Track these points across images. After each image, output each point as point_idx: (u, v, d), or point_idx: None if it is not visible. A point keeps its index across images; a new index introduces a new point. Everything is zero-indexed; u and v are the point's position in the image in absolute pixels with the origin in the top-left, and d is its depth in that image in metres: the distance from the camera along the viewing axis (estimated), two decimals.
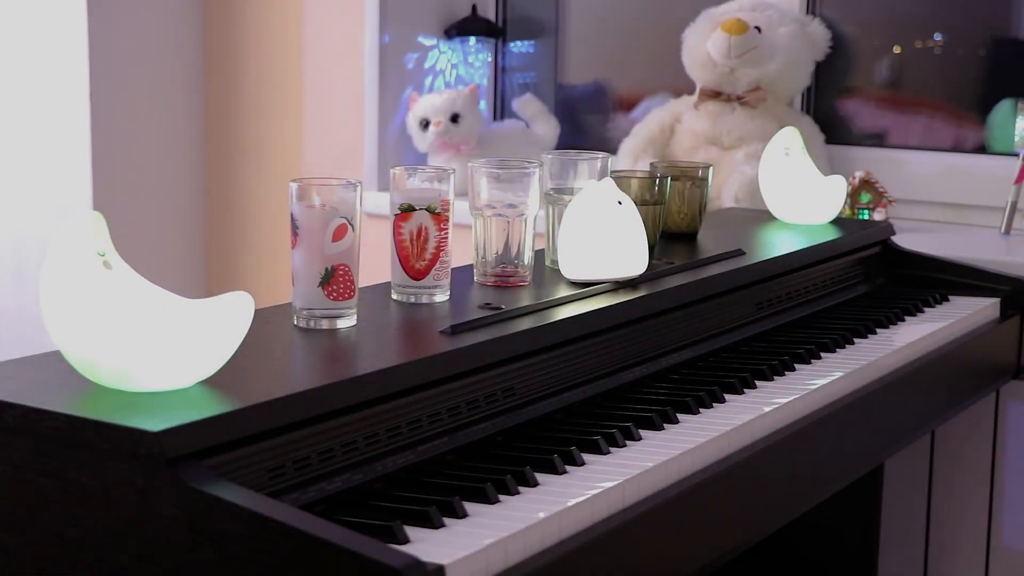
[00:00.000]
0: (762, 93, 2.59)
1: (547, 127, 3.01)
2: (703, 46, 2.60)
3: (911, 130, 2.75)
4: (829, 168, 2.54)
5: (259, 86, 3.22)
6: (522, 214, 1.55)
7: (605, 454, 1.29)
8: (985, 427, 2.19)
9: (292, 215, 1.35)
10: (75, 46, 3.05)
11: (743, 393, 1.53)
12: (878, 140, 2.75)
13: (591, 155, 1.68)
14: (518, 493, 1.17)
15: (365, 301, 1.44)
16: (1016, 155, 2.44)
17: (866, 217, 2.44)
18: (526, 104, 3.03)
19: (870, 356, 1.72)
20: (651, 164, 2.05)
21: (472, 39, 3.15)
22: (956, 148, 2.67)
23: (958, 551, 2.24)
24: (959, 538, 2.24)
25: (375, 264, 1.80)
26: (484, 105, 3.15)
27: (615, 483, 1.20)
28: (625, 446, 1.32)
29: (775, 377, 1.60)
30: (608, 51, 3.17)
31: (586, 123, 3.13)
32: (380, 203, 2.76)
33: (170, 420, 1.03)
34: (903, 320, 1.94)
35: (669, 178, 1.82)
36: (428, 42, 3.11)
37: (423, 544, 1.03)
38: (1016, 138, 2.48)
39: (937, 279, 2.13)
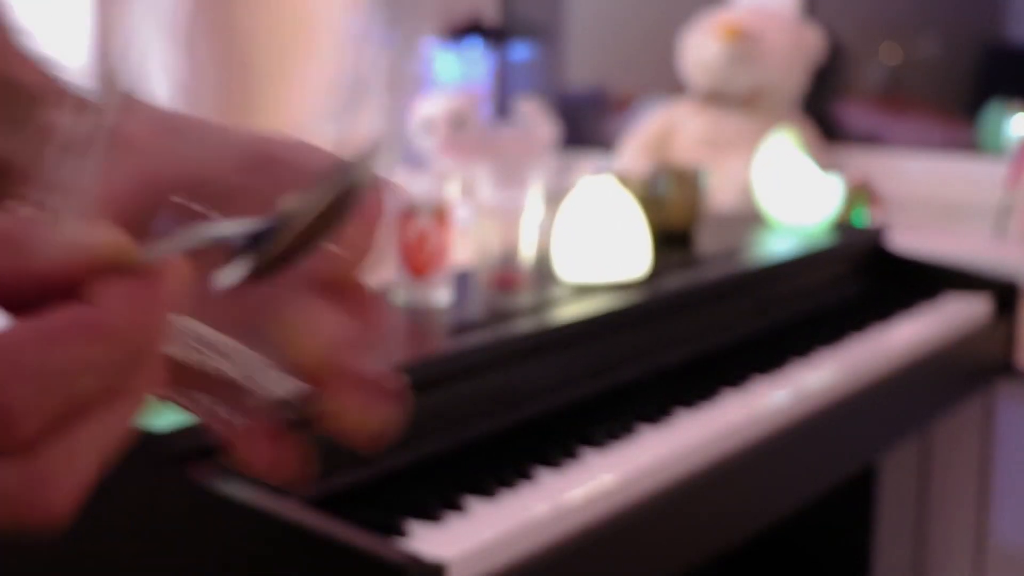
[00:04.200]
0: (759, 96, 2.61)
1: (547, 128, 3.03)
2: (701, 50, 2.62)
3: (905, 132, 2.77)
4: (824, 170, 2.55)
5: (261, 88, 3.23)
6: (522, 214, 1.57)
7: (604, 451, 1.31)
8: (977, 425, 2.21)
9: None
10: (76, 47, 3.07)
11: (739, 392, 1.54)
12: (873, 142, 2.77)
13: (591, 156, 1.70)
14: (518, 489, 1.18)
15: None
16: (1007, 157, 2.46)
17: (860, 218, 2.46)
18: (526, 106, 3.05)
19: (863, 355, 1.74)
20: (650, 166, 2.07)
21: (473, 41, 3.17)
22: (949, 150, 2.69)
23: (951, 548, 2.26)
24: (952, 535, 2.26)
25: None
26: (485, 107, 3.17)
27: (614, 479, 1.22)
28: (624, 443, 1.33)
29: (770, 376, 1.62)
30: (608, 53, 3.19)
31: (586, 125, 3.15)
32: None
33: (177, 419, 1.05)
34: (896, 320, 1.96)
35: (667, 180, 1.84)
36: (429, 45, 3.13)
37: (424, 540, 1.05)
38: (1007, 140, 2.50)
39: (929, 279, 2.14)
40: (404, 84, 3.11)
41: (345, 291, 0.43)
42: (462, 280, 1.60)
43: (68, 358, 0.33)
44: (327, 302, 0.42)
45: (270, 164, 0.44)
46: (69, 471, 0.34)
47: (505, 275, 1.59)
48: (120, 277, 0.35)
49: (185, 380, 0.42)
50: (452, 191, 1.49)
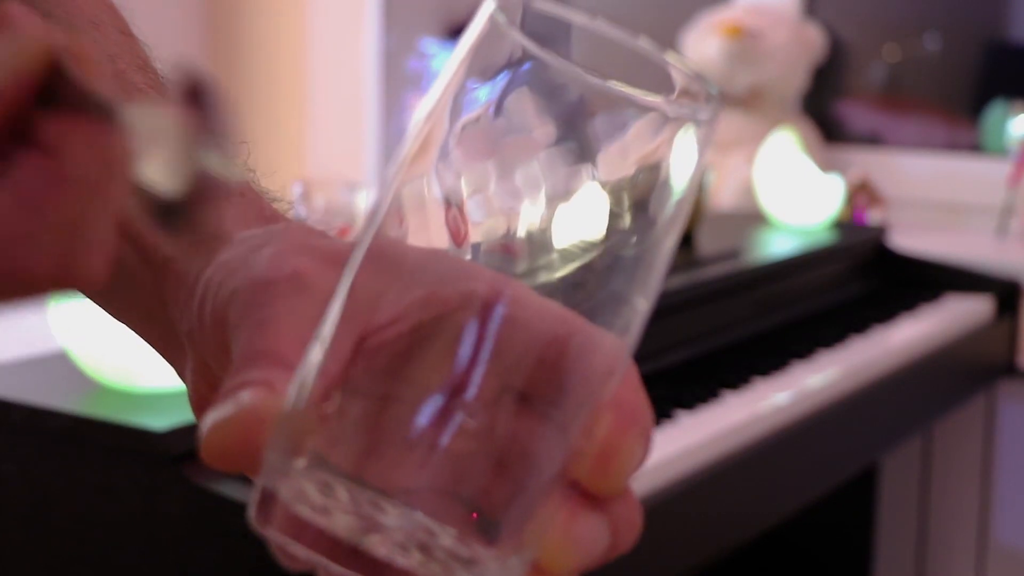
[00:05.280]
0: (759, 95, 2.61)
1: (548, 128, 3.02)
2: (702, 49, 2.62)
3: (906, 131, 2.76)
4: (825, 169, 2.55)
5: (263, 89, 3.23)
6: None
7: None
8: (979, 425, 2.21)
9: (295, 216, 1.36)
10: None
11: (740, 392, 1.54)
12: (874, 141, 2.77)
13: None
14: None
15: None
16: (1010, 156, 2.46)
17: (862, 218, 2.46)
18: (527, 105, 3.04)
19: (865, 355, 1.74)
20: None
21: None
22: (951, 149, 2.68)
23: (952, 548, 2.25)
24: (953, 535, 2.25)
25: None
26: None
27: None
28: None
29: (772, 376, 1.62)
30: (607, 54, 3.19)
31: None
32: None
33: (175, 419, 1.05)
34: (898, 320, 1.96)
35: None
36: (430, 45, 3.13)
37: None
38: (1009, 139, 2.49)
39: (931, 279, 2.14)
40: (403, 83, 3.11)
41: (605, 500, 0.39)
42: None
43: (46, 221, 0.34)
44: (586, 506, 0.39)
45: (513, 319, 0.36)
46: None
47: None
48: (76, 120, 0.34)
49: None
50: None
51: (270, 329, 0.40)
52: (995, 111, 2.60)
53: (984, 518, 2.22)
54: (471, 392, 0.36)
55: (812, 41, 2.64)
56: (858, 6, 2.83)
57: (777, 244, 2.02)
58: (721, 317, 1.76)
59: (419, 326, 0.36)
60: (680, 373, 1.61)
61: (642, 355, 1.67)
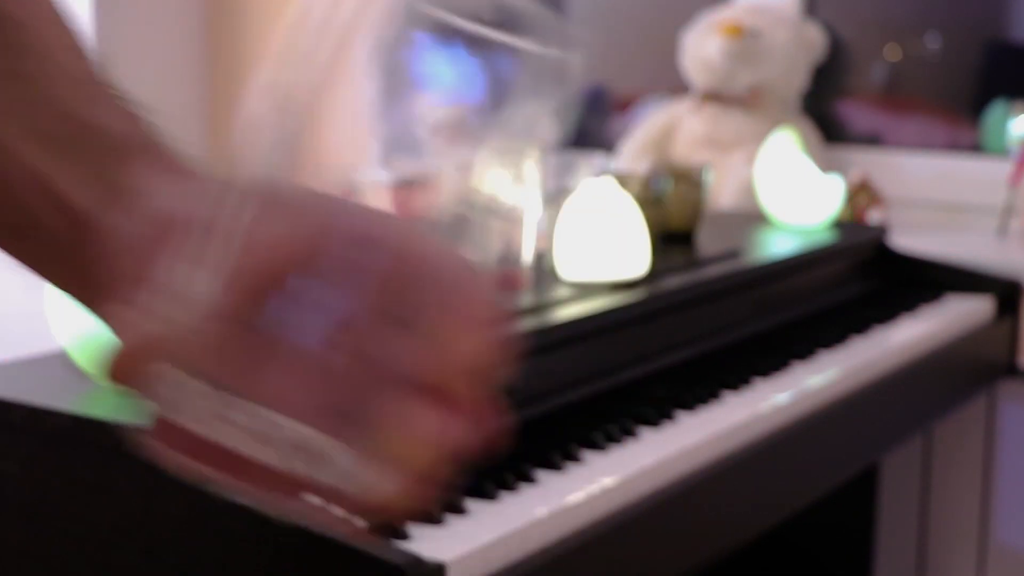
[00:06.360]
0: (759, 95, 2.61)
1: (548, 128, 3.02)
2: (702, 49, 2.62)
3: (907, 131, 2.76)
4: (825, 169, 2.55)
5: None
6: (522, 214, 1.57)
7: (604, 452, 1.31)
8: (980, 426, 2.21)
9: None
10: None
11: (740, 392, 1.54)
12: (874, 141, 2.77)
13: (591, 155, 1.70)
14: (519, 491, 1.18)
15: None
16: (1010, 156, 2.46)
17: (862, 218, 2.46)
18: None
19: (866, 355, 1.74)
20: (650, 165, 2.07)
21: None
22: (951, 149, 2.68)
23: (953, 548, 2.25)
24: (954, 535, 2.25)
25: None
26: (484, 107, 3.16)
27: (614, 481, 1.22)
28: (624, 444, 1.33)
29: (772, 376, 1.62)
30: (608, 53, 3.19)
31: (586, 124, 3.14)
32: None
33: None
34: (898, 320, 1.96)
35: (668, 179, 1.84)
36: (428, 43, 3.13)
37: (424, 541, 1.05)
38: (1010, 139, 2.49)
39: (932, 279, 2.14)
40: (399, 77, 3.11)
41: (453, 397, 0.43)
42: None
43: None
44: (431, 405, 0.43)
45: (373, 244, 0.44)
46: None
47: (506, 275, 1.58)
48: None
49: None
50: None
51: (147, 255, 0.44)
52: (996, 111, 2.60)
53: (985, 518, 2.22)
54: (341, 312, 0.42)
55: (812, 41, 2.64)
56: (858, 6, 2.83)
57: (777, 244, 2.02)
58: (721, 317, 1.76)
59: (296, 256, 0.42)
60: (680, 373, 1.61)
61: (642, 355, 1.67)
